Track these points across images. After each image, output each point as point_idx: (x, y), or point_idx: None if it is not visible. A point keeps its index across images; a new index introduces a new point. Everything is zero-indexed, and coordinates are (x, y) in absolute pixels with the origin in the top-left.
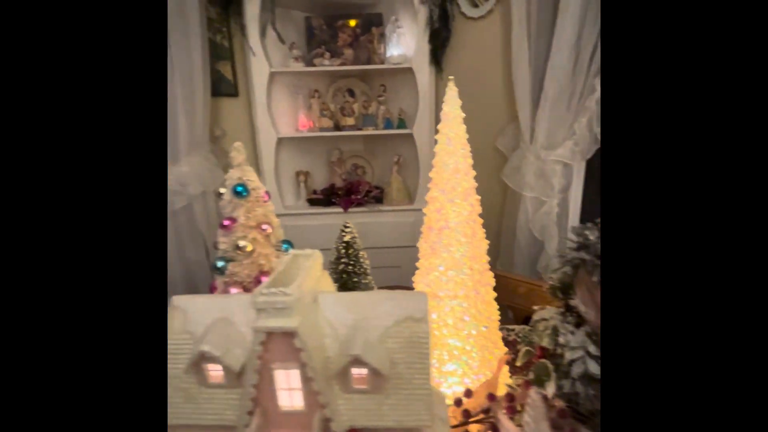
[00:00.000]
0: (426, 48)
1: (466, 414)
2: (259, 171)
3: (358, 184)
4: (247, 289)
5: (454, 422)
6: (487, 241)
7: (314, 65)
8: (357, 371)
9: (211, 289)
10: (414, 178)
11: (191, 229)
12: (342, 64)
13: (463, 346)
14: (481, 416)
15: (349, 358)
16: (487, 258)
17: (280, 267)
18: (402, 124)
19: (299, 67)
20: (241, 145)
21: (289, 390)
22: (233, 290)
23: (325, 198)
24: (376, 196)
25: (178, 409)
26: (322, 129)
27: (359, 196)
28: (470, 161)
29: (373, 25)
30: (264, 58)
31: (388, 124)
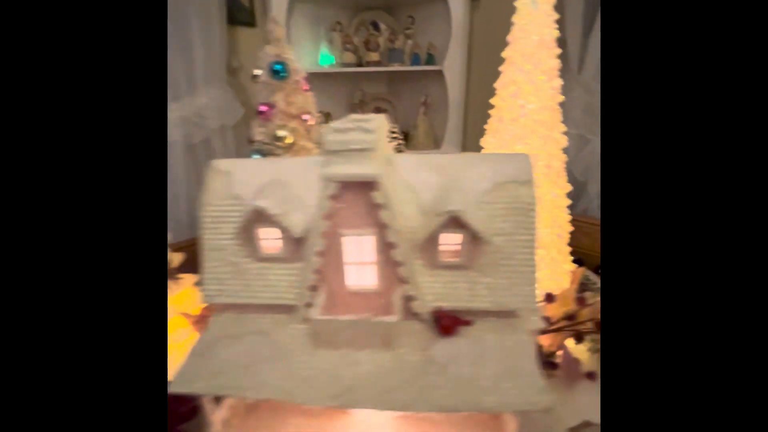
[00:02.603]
0: None
1: (546, 321)
2: None
3: None
4: None
5: None
6: (564, 138)
7: None
8: (448, 241)
9: None
10: (442, 121)
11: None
12: None
13: None
14: (563, 323)
15: (442, 218)
16: (564, 157)
17: None
18: (431, 59)
19: None
20: (277, 18)
21: (360, 264)
22: None
23: None
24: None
25: (225, 286)
26: (344, 65)
27: None
28: (556, 34)
29: None
30: None
31: (416, 60)
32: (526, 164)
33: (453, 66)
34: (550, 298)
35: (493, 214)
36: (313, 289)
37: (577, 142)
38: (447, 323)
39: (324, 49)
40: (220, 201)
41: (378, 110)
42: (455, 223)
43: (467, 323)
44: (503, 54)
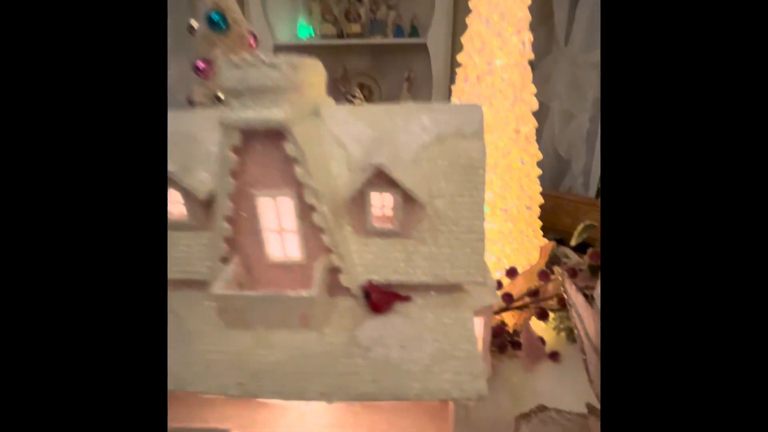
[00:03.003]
0: None
1: (508, 297)
2: None
3: None
4: None
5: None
6: (535, 100)
7: None
8: (380, 203)
9: None
10: (427, 98)
11: None
12: None
13: (500, 229)
14: (526, 300)
15: (366, 174)
16: (534, 122)
17: None
18: (415, 32)
19: None
20: None
21: (279, 232)
22: None
23: None
24: None
25: None
26: (323, 36)
27: None
28: None
29: None
30: None
31: (399, 32)
32: (476, 115)
33: (437, 38)
34: (512, 272)
35: (434, 172)
36: (225, 261)
37: (562, 118)
38: (378, 299)
39: (302, 20)
40: None
41: (362, 87)
42: (385, 181)
43: (404, 299)
44: (470, 4)
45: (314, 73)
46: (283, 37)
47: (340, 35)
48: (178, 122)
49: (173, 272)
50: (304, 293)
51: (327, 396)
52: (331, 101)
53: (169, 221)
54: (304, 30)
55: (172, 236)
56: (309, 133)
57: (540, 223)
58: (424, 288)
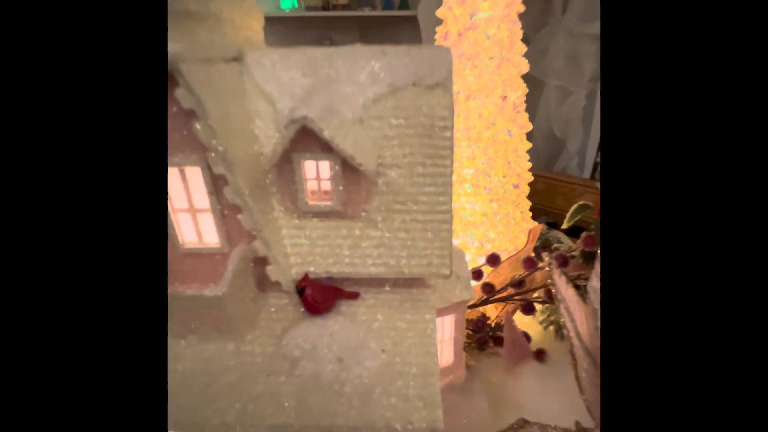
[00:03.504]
0: None
1: (488, 288)
2: None
3: None
4: None
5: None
6: (525, 62)
7: None
8: (316, 174)
9: None
10: None
11: None
12: None
13: (484, 210)
14: (510, 291)
15: (289, 131)
16: (524, 87)
17: None
18: (404, 3)
19: None
20: None
21: (191, 211)
22: None
23: None
24: None
25: None
26: (308, 8)
27: None
28: None
29: None
30: None
31: (388, 5)
32: (441, 59)
33: (428, 10)
34: (493, 259)
35: (386, 134)
36: None
37: (558, 95)
38: (314, 297)
39: None
40: None
41: None
42: (318, 144)
43: (350, 296)
44: None
45: (243, 11)
46: (265, 7)
47: (326, 7)
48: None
49: None
50: (209, 292)
51: (232, 428)
52: (265, 50)
53: None
54: (288, 1)
55: None
56: (220, 82)
57: (529, 204)
58: (377, 282)
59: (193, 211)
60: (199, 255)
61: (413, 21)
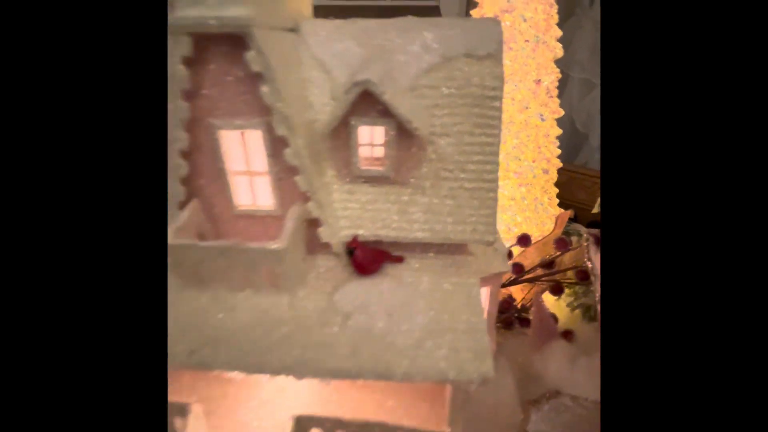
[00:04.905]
0: None
1: (518, 268)
2: None
3: None
4: None
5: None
6: (560, 46)
7: None
8: (369, 140)
9: None
10: None
11: None
12: None
13: (512, 195)
14: (539, 272)
15: (351, 96)
16: (557, 72)
17: None
18: None
19: None
20: None
21: (248, 174)
22: None
23: None
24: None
25: None
26: None
27: None
28: None
29: None
30: None
31: None
32: (493, 32)
33: (450, 1)
34: (524, 240)
35: (438, 103)
36: (182, 206)
37: (581, 88)
38: (363, 258)
39: None
40: None
41: None
42: (375, 108)
43: (395, 260)
44: None
45: None
46: None
47: None
48: None
49: None
50: (270, 245)
51: (294, 371)
52: (320, 20)
53: None
54: None
55: None
56: (281, 49)
57: (556, 191)
58: (422, 247)
59: (249, 173)
60: (251, 217)
61: (435, 10)
